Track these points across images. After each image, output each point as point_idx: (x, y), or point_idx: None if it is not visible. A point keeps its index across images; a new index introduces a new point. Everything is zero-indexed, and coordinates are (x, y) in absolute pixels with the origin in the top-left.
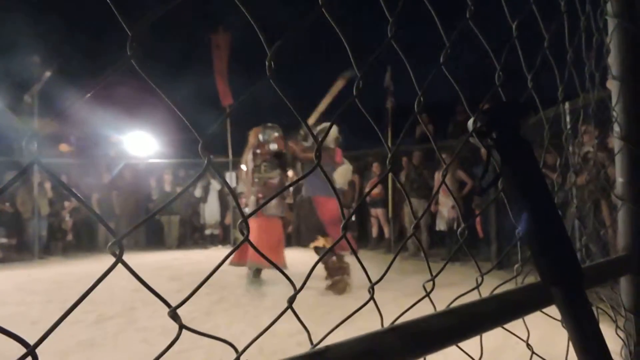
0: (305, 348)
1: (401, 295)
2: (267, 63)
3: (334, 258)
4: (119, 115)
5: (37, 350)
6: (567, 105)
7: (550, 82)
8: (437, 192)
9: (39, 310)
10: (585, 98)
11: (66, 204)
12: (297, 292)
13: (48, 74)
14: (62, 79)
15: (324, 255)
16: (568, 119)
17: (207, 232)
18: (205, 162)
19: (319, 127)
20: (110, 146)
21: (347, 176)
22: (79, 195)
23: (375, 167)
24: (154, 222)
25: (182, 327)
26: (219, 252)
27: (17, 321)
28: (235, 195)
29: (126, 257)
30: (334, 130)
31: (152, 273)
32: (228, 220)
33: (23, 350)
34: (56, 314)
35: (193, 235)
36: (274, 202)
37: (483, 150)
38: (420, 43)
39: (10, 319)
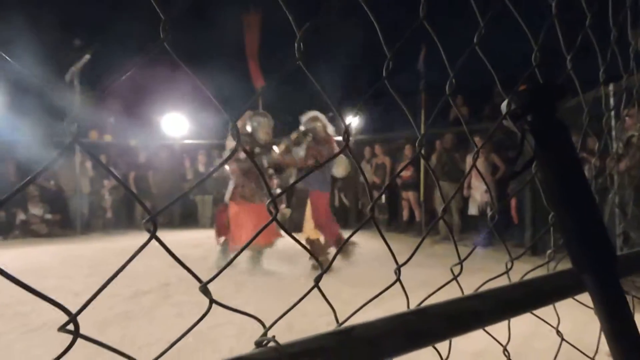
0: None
1: (429, 279)
2: (296, 45)
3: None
4: (155, 96)
5: (78, 320)
6: (611, 87)
7: (591, 63)
8: (467, 175)
9: (81, 283)
10: (629, 80)
11: (105, 182)
12: (323, 272)
13: (88, 56)
14: (100, 61)
15: (345, 242)
16: (612, 101)
17: None
18: (235, 142)
19: (309, 115)
20: (147, 127)
21: (347, 166)
22: (116, 174)
23: (407, 150)
24: (188, 202)
25: (212, 301)
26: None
27: (61, 293)
28: (265, 176)
29: (161, 235)
30: (324, 123)
31: (185, 250)
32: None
33: (66, 318)
34: (96, 287)
35: None
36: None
37: (517, 133)
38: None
39: (55, 290)
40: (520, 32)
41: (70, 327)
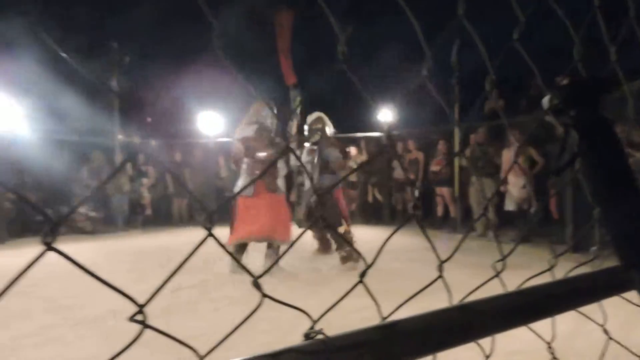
0: (370, 323)
1: (466, 276)
2: (339, 48)
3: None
4: (190, 95)
5: (121, 311)
6: None
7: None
8: (509, 171)
9: (122, 278)
10: None
11: (144, 181)
12: (368, 267)
13: (127, 58)
14: (139, 64)
15: (392, 233)
16: None
17: None
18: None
19: (313, 117)
20: (183, 125)
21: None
22: (179, 177)
23: (441, 145)
24: (221, 198)
25: (264, 295)
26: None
27: (104, 287)
28: (309, 173)
29: (197, 231)
30: (327, 124)
31: (213, 247)
32: (293, 197)
33: (107, 311)
34: (138, 281)
35: None
36: (275, 179)
37: (559, 129)
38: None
39: (99, 285)
40: (554, 21)
41: (139, 317)
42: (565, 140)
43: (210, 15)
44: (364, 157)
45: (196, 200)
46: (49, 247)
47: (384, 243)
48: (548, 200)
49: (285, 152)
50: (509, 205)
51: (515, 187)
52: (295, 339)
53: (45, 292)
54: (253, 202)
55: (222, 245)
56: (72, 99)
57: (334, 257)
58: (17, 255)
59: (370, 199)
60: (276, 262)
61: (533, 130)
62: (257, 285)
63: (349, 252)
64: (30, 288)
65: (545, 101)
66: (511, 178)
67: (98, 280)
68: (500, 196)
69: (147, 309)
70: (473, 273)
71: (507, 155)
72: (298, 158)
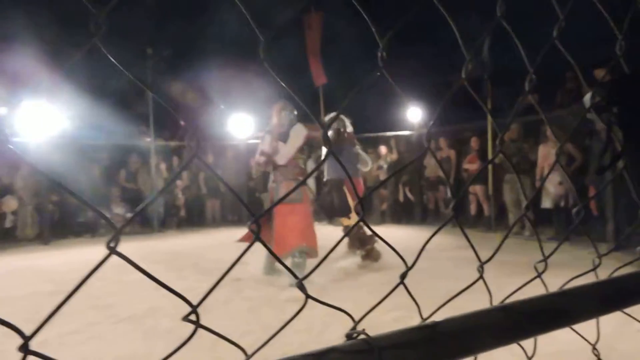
0: (401, 324)
1: (502, 275)
2: (379, 54)
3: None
4: (220, 98)
5: (159, 310)
6: None
7: None
8: (551, 169)
9: (162, 277)
10: None
11: (179, 183)
12: (408, 269)
13: (164, 63)
14: (171, 68)
15: (433, 235)
16: None
17: None
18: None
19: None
20: (215, 128)
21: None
22: (225, 180)
23: (474, 142)
24: (253, 199)
25: (307, 297)
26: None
27: (144, 286)
28: (349, 175)
29: (231, 232)
30: (344, 121)
31: (252, 247)
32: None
33: (148, 310)
34: (175, 281)
35: None
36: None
37: (600, 125)
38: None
39: (138, 283)
40: (590, 13)
41: (192, 317)
42: (609, 138)
43: (259, 31)
44: (394, 156)
45: (244, 204)
46: (113, 251)
47: (424, 245)
48: (589, 201)
49: (327, 156)
50: (546, 203)
51: (552, 184)
52: (329, 338)
53: (89, 291)
54: (290, 209)
55: (269, 249)
56: (109, 104)
57: (355, 255)
58: (61, 255)
59: (401, 198)
60: (320, 263)
61: (575, 126)
62: (301, 287)
63: (369, 250)
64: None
65: (587, 98)
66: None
67: (155, 282)
68: (536, 193)
69: (185, 308)
70: (510, 272)
71: (543, 151)
72: (340, 162)
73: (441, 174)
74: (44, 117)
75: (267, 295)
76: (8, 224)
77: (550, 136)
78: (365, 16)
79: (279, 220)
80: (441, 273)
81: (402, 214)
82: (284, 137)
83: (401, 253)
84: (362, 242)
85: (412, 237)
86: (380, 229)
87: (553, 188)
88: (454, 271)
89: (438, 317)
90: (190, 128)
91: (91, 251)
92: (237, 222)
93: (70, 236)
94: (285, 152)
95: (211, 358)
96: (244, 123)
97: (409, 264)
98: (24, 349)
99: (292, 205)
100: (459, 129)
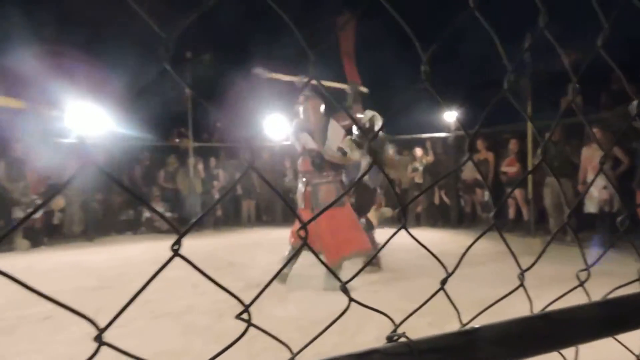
0: (435, 328)
1: (542, 284)
2: (422, 68)
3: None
4: (257, 100)
5: (197, 307)
6: None
7: None
8: (597, 174)
9: (197, 275)
10: None
11: (215, 183)
12: (449, 275)
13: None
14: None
15: (475, 241)
16: None
17: None
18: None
19: (368, 115)
20: (251, 129)
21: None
22: (273, 185)
23: (513, 144)
24: (292, 202)
25: (351, 300)
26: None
27: (182, 283)
28: (391, 180)
29: (267, 233)
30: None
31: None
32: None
33: (186, 307)
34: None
35: None
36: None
37: None
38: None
39: (177, 280)
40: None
41: (245, 316)
42: None
43: (308, 46)
44: (429, 158)
45: (290, 208)
46: (176, 254)
47: (464, 253)
48: (636, 207)
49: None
50: (590, 208)
51: (596, 188)
52: (363, 339)
53: (131, 287)
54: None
55: (316, 255)
56: (150, 105)
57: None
58: (104, 251)
59: (437, 200)
60: (365, 265)
61: (623, 129)
62: (344, 290)
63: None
64: (118, 283)
65: (634, 106)
66: (591, 178)
67: (214, 283)
68: (580, 197)
69: (222, 305)
70: (551, 280)
71: (587, 154)
72: (384, 172)
73: (478, 176)
74: (92, 118)
75: (301, 295)
76: (56, 220)
77: (593, 138)
78: (408, 30)
79: (326, 226)
80: (479, 279)
81: (438, 217)
82: (323, 134)
83: (438, 257)
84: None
85: (448, 241)
86: (415, 232)
87: (597, 192)
88: (491, 277)
89: (476, 323)
90: (244, 139)
91: (132, 248)
92: (271, 222)
93: (113, 233)
94: (331, 150)
95: (248, 355)
96: (279, 125)
97: (446, 269)
98: (99, 339)
99: (336, 209)
100: (497, 131)
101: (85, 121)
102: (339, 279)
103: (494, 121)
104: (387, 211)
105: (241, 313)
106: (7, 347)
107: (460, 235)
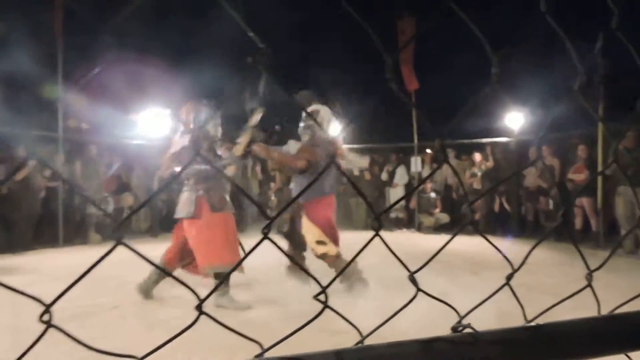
0: (485, 324)
1: (611, 298)
2: (493, 70)
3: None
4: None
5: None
6: None
7: None
8: None
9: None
10: None
11: (272, 184)
12: (515, 270)
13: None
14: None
15: (535, 246)
16: None
17: (392, 215)
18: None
19: (310, 108)
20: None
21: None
22: (360, 186)
23: (581, 150)
24: (343, 204)
25: (419, 290)
26: (403, 235)
27: (237, 280)
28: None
29: None
30: (327, 119)
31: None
32: (413, 204)
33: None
34: (258, 276)
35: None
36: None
37: None
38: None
39: (235, 276)
40: None
41: (322, 297)
42: None
43: (384, 54)
44: (489, 164)
45: (370, 208)
46: (266, 237)
47: (528, 254)
48: None
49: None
50: None
51: None
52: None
53: (186, 278)
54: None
55: (388, 246)
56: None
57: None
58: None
59: (496, 208)
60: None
61: None
62: (413, 280)
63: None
64: (177, 274)
65: None
66: None
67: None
68: None
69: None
70: (621, 295)
71: None
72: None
73: (543, 184)
74: (160, 122)
75: (335, 289)
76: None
77: None
78: (479, 35)
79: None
80: (539, 287)
81: (497, 225)
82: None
83: (498, 263)
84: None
85: (506, 250)
86: (471, 240)
87: None
88: (552, 286)
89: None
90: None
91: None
92: None
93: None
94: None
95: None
96: (337, 129)
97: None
98: (199, 308)
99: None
100: (564, 136)
101: (155, 124)
102: (407, 269)
103: (560, 126)
104: (443, 217)
105: (319, 294)
106: (81, 333)
107: (522, 245)
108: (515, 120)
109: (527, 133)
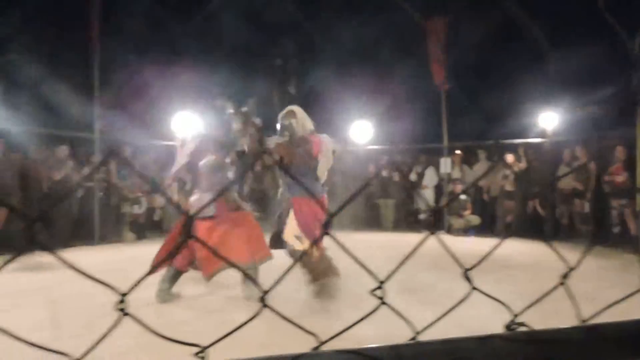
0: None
1: None
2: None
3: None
4: (344, 104)
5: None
6: None
7: None
8: None
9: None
10: None
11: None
12: (571, 269)
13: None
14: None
15: (585, 254)
16: None
17: (421, 216)
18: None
19: (288, 109)
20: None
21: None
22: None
23: (620, 152)
24: (371, 205)
25: (473, 288)
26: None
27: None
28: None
29: (347, 236)
30: (305, 119)
31: (366, 251)
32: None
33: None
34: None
35: (407, 218)
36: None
37: None
38: None
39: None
40: None
41: (379, 292)
42: None
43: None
44: (522, 165)
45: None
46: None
47: (582, 257)
48: None
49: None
50: None
51: None
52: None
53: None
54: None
55: (446, 246)
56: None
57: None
58: None
59: (529, 211)
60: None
61: None
62: (467, 277)
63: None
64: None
65: None
66: None
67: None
68: None
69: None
70: None
71: None
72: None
73: (578, 186)
74: (190, 124)
75: (359, 292)
76: (157, 217)
77: None
78: (537, 33)
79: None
80: (576, 292)
81: (530, 229)
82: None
83: (531, 269)
84: (315, 275)
85: (542, 254)
86: (504, 243)
87: None
88: (590, 290)
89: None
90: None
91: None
92: (356, 226)
93: None
94: None
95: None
96: (365, 129)
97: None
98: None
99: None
100: (601, 137)
101: (187, 126)
102: (460, 265)
103: (599, 126)
104: (474, 219)
105: (375, 289)
106: (115, 327)
107: (558, 248)
108: (549, 120)
109: (561, 134)
